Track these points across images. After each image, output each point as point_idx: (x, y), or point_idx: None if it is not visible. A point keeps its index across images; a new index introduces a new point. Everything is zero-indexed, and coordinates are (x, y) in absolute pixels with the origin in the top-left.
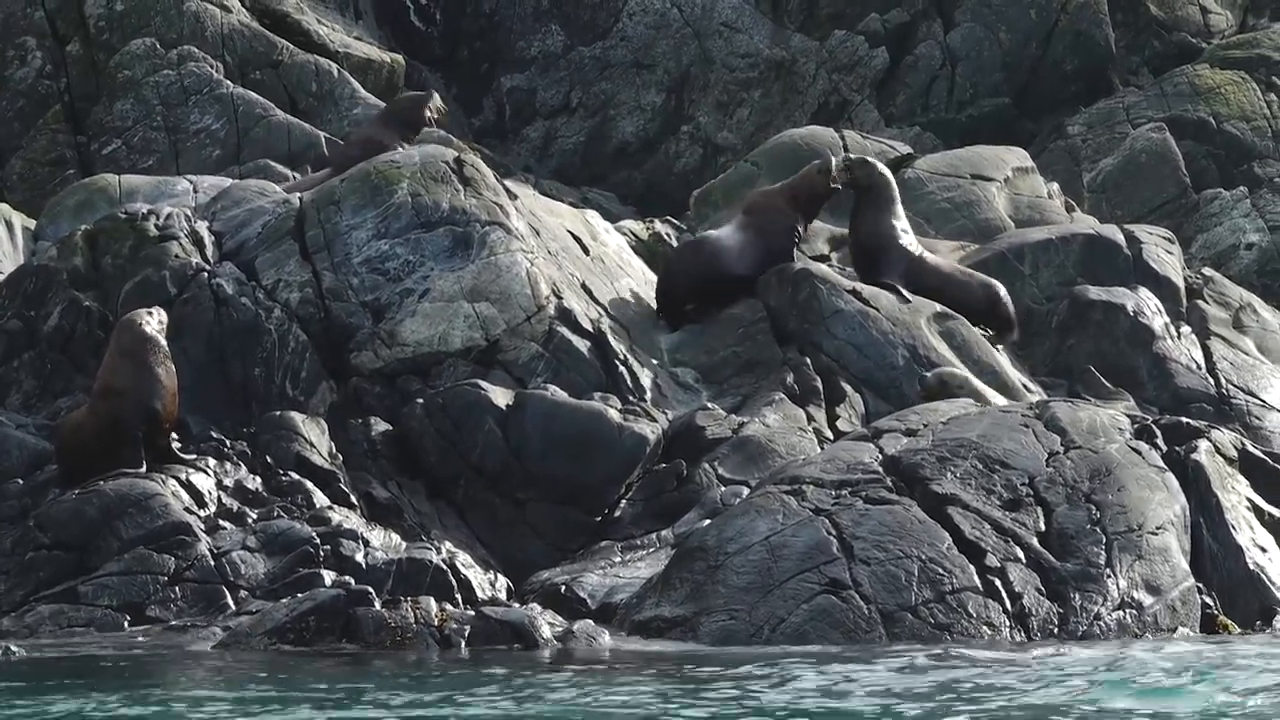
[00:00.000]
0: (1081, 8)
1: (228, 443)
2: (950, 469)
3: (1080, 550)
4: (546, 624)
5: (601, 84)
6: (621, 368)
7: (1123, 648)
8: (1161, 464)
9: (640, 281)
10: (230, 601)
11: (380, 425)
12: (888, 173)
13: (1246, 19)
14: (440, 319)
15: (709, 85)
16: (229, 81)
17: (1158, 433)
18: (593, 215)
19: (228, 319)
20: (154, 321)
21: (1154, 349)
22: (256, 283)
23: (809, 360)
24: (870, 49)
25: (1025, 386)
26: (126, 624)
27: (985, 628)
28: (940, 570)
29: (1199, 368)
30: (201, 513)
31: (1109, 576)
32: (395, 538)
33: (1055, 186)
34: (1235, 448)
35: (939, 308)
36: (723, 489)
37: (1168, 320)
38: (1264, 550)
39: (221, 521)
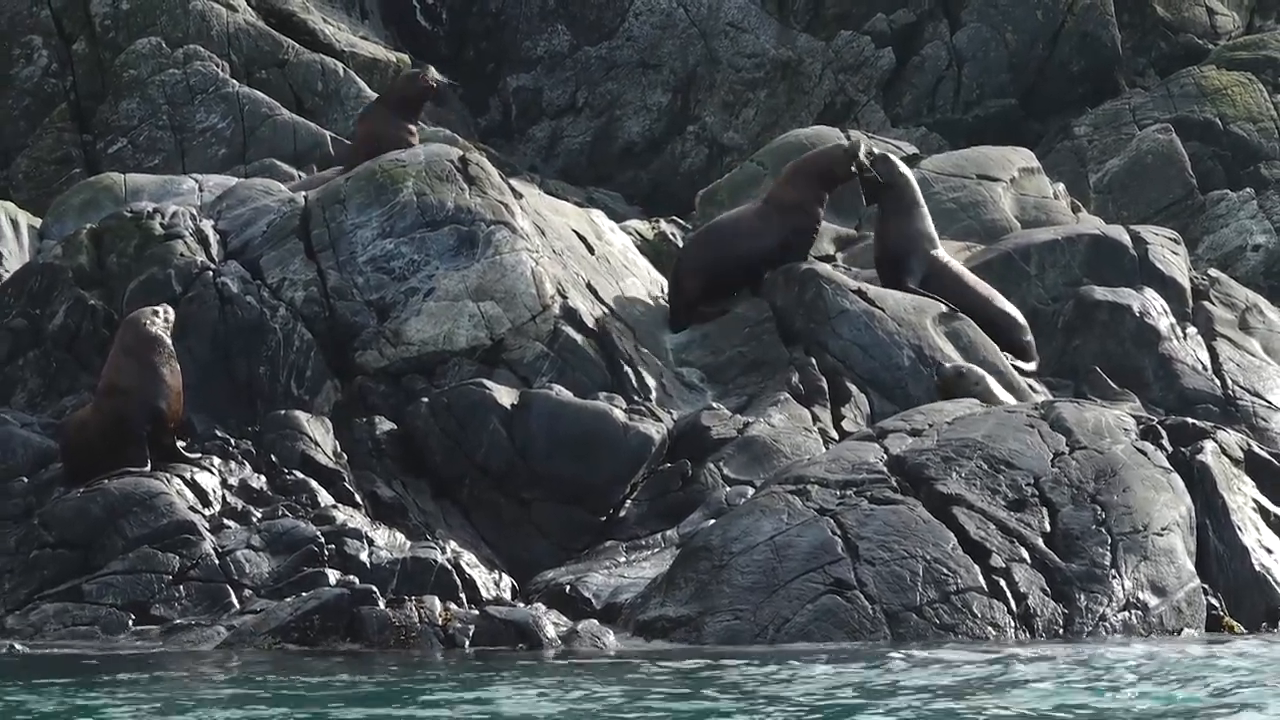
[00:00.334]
0: (1088, 9)
1: (232, 441)
2: (955, 469)
3: (1085, 551)
4: (551, 624)
5: (607, 84)
6: (627, 367)
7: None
8: (1167, 465)
9: (645, 281)
10: (235, 600)
11: (385, 424)
12: (909, 172)
13: (1253, 20)
14: (445, 318)
15: (715, 85)
16: (235, 80)
17: (1163, 433)
18: (598, 215)
19: (232, 318)
20: (160, 320)
21: (1160, 350)
22: (261, 281)
23: (814, 360)
24: (876, 49)
25: (1031, 387)
26: (131, 623)
27: (990, 628)
28: (945, 571)
29: (1205, 369)
30: (206, 511)
31: (1114, 577)
32: (400, 537)
33: (1061, 187)
34: (1241, 449)
35: (944, 308)
36: (728, 489)
37: (1173, 321)
38: (1270, 551)
39: (226, 520)
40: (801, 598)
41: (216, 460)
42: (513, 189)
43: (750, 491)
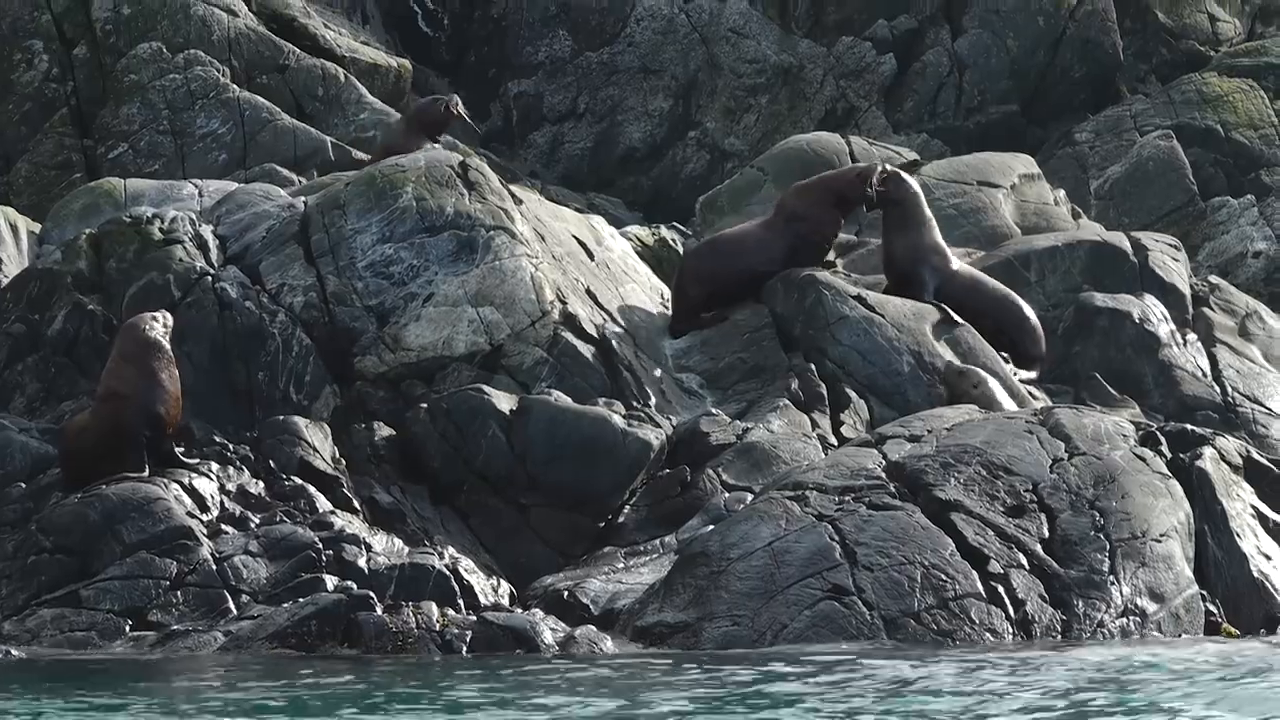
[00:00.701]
0: (1089, 15)
1: (231, 447)
2: (954, 475)
3: (1084, 557)
4: (548, 629)
5: (609, 90)
6: (626, 373)
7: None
8: (1166, 471)
9: (645, 287)
10: (232, 606)
11: (384, 430)
12: (917, 187)
13: (1255, 27)
14: (445, 323)
15: (716, 91)
16: (235, 86)
17: (1162, 440)
18: (598, 220)
19: (231, 323)
20: (159, 325)
21: (1160, 356)
22: (261, 287)
23: (814, 366)
24: (878, 55)
25: (1030, 393)
26: (128, 629)
27: (988, 634)
28: (943, 576)
29: (1205, 375)
30: (204, 517)
31: (1112, 583)
32: (398, 543)
33: (1062, 193)
34: (1240, 455)
35: (944, 314)
36: (727, 495)
37: (1174, 328)
38: (1268, 558)
39: (224, 526)
40: (799, 603)
41: (215, 466)
42: (512, 194)
43: (749, 497)
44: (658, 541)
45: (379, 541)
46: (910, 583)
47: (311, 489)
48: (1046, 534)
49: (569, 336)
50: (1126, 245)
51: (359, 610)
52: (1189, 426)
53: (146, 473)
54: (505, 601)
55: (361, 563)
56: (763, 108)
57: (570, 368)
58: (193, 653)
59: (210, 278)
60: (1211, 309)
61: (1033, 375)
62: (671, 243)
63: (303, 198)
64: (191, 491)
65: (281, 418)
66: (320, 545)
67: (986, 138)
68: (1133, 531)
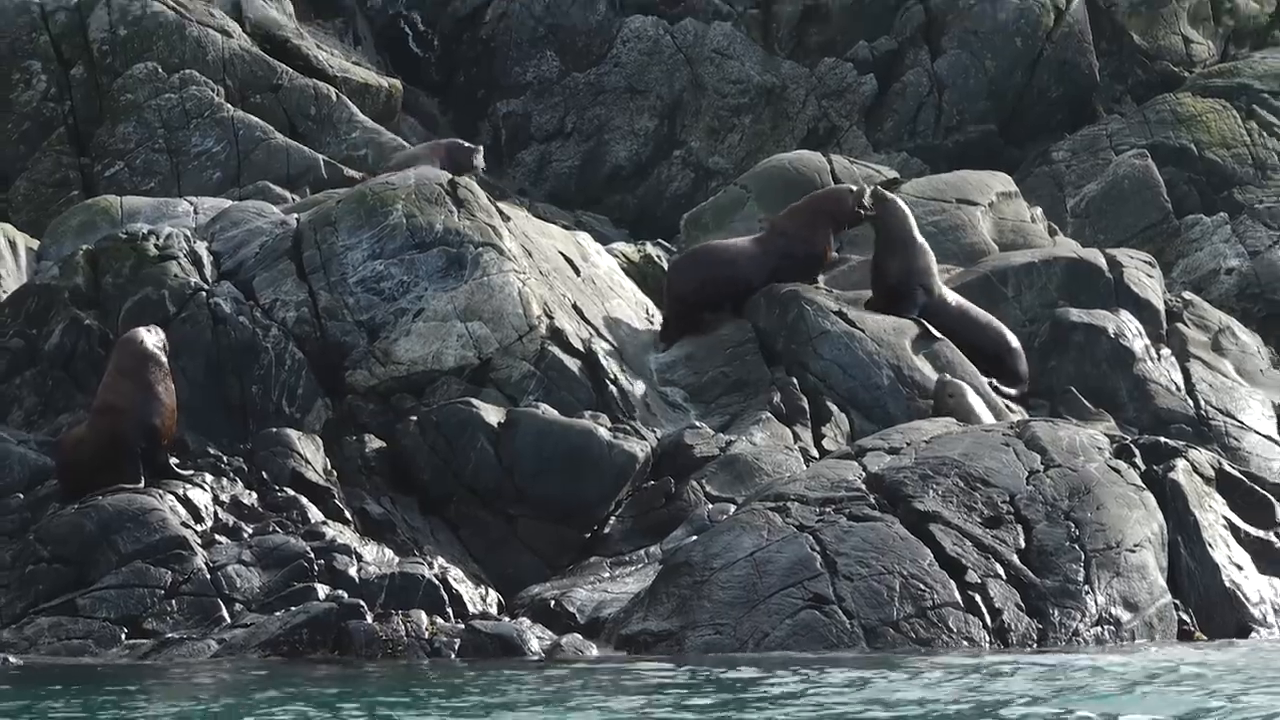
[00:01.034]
0: (1066, 36)
1: (225, 459)
2: (932, 487)
3: (1059, 567)
4: (535, 637)
5: (595, 109)
6: (612, 387)
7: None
8: (1140, 483)
9: (631, 303)
10: (226, 615)
11: (374, 442)
12: (907, 209)
13: (1228, 49)
14: (434, 338)
15: (701, 111)
16: (229, 105)
17: (1136, 452)
18: (584, 237)
19: (225, 337)
20: (153, 339)
21: (1134, 371)
22: (254, 302)
23: (796, 380)
24: (859, 76)
25: (1008, 406)
26: (124, 636)
27: (965, 642)
28: (922, 586)
29: (1178, 389)
30: (198, 527)
31: (1087, 593)
32: (388, 553)
33: (1038, 211)
34: (1213, 467)
35: (922, 329)
36: (710, 506)
37: (1148, 343)
38: (1240, 568)
39: (218, 536)
40: (781, 612)
41: (209, 477)
42: (500, 211)
43: (732, 509)
44: (643, 552)
45: (370, 551)
46: (889, 592)
47: (304, 500)
48: (1023, 544)
49: (556, 351)
50: (1102, 262)
51: (350, 618)
52: (1162, 439)
53: (142, 484)
54: (493, 610)
55: (352, 572)
56: (746, 127)
57: (557, 381)
58: (186, 660)
59: (204, 293)
60: (1185, 324)
61: (1013, 392)
62: (656, 259)
63: (295, 215)
64: (186, 502)
65: (274, 430)
66: (312, 555)
67: (965, 156)
68: (1107, 542)
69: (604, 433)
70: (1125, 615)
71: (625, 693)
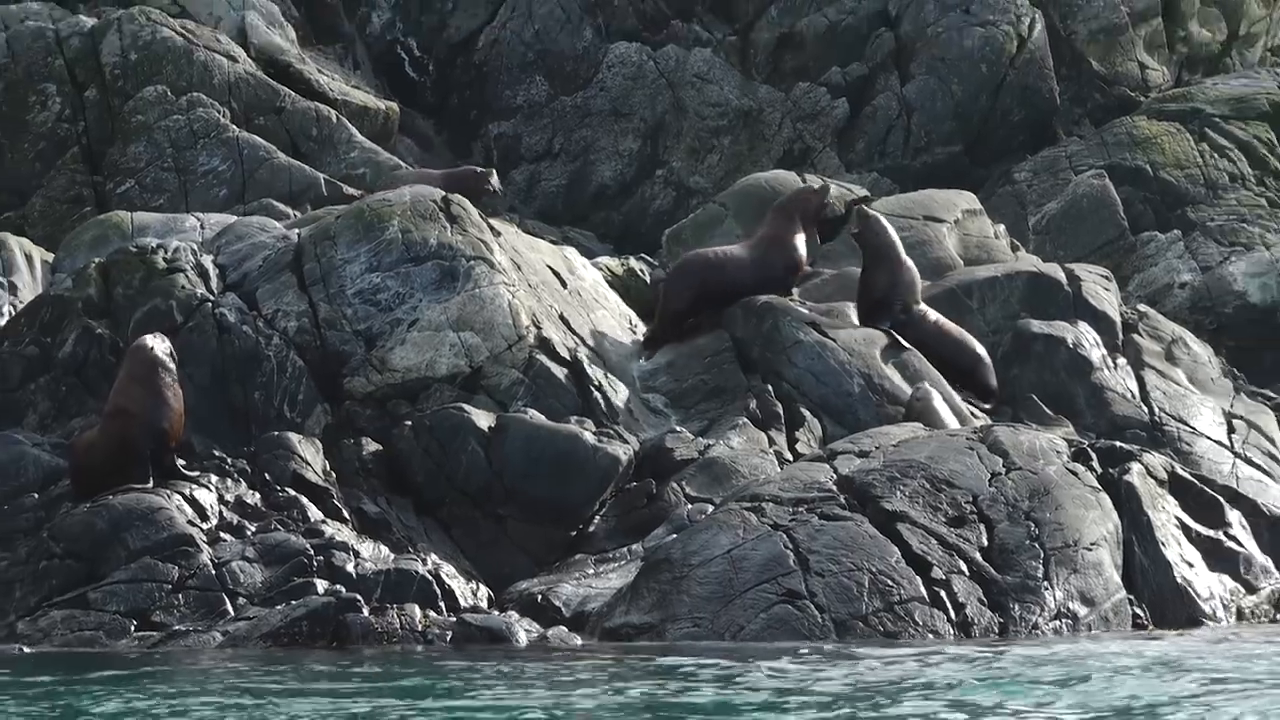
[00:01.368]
0: (1028, 63)
1: (229, 461)
2: (900, 488)
3: (1020, 564)
4: (523, 630)
5: (582, 131)
6: (596, 393)
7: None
8: (1096, 485)
9: (615, 314)
10: (230, 608)
11: (371, 445)
12: (889, 225)
13: (1181, 75)
14: (428, 347)
15: (682, 133)
16: (235, 126)
17: (1093, 456)
18: (571, 251)
19: (230, 346)
20: (162, 346)
21: (1092, 379)
22: (257, 312)
23: (771, 387)
24: (832, 99)
25: (972, 413)
26: (133, 629)
27: (931, 635)
28: (889, 582)
29: (1134, 397)
30: (204, 525)
31: (1046, 589)
32: (384, 550)
33: (1002, 228)
34: (1165, 470)
35: (891, 339)
36: (689, 506)
37: (1105, 353)
38: (1191, 565)
39: (222, 534)
40: (756, 607)
41: (214, 478)
42: (491, 227)
43: (710, 509)
44: (625, 549)
45: (366, 548)
46: (859, 588)
47: (304, 500)
48: (985, 543)
49: (543, 359)
50: (1061, 276)
51: (347, 612)
52: (1118, 444)
53: (151, 484)
54: (484, 604)
55: (350, 568)
56: (725, 148)
57: (544, 388)
58: (193, 650)
59: (210, 304)
60: (1140, 335)
61: (987, 406)
62: (640, 273)
63: (296, 230)
64: (192, 502)
65: (276, 434)
66: (312, 552)
67: (932, 176)
68: (1065, 540)
69: (589, 437)
70: (1082, 610)
71: (592, 672)
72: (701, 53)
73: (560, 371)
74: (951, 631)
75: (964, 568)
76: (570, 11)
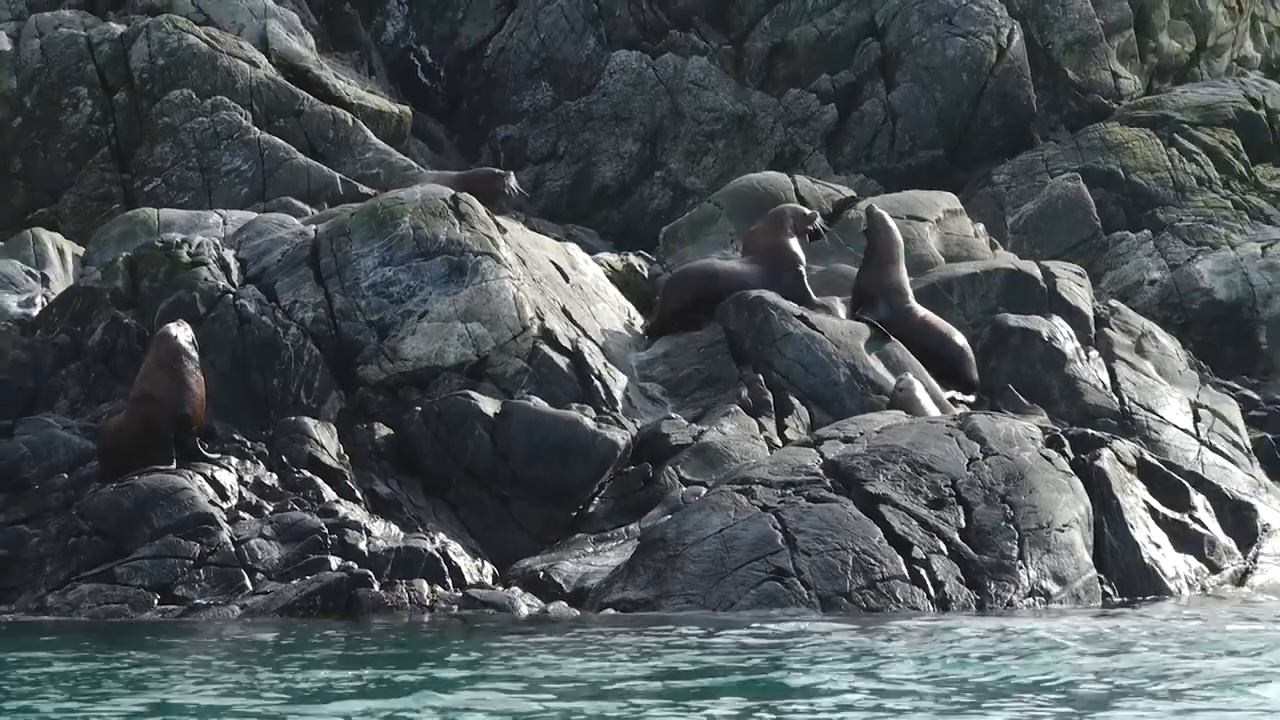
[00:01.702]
0: (1007, 72)
1: (248, 444)
2: (882, 472)
3: (996, 544)
4: (525, 605)
5: (585, 134)
6: (596, 382)
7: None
8: (1069, 470)
9: (614, 307)
10: (248, 583)
11: (383, 430)
12: (895, 229)
13: (1152, 83)
14: (437, 337)
15: (679, 136)
16: (256, 128)
17: (1066, 442)
18: (573, 248)
19: (250, 335)
20: (185, 334)
21: (1065, 370)
22: (276, 304)
23: (762, 377)
24: (821, 106)
25: (952, 401)
26: (156, 602)
27: (911, 611)
28: (872, 561)
29: (1105, 387)
30: (224, 505)
31: (1021, 568)
32: (395, 529)
33: (981, 227)
34: (1134, 456)
35: (876, 331)
36: (684, 489)
37: (1078, 345)
38: (1158, 546)
39: (241, 513)
40: (746, 584)
41: (234, 460)
42: (498, 224)
43: (703, 491)
44: (623, 529)
45: (378, 527)
46: (843, 566)
47: (319, 481)
48: (964, 524)
49: (546, 349)
50: (1037, 273)
51: (359, 587)
52: (1089, 431)
53: (174, 466)
54: (489, 581)
55: (362, 546)
56: (720, 151)
57: (547, 376)
58: (213, 621)
59: (231, 296)
60: (1111, 329)
61: (970, 398)
62: (638, 268)
63: (314, 226)
64: (213, 482)
65: (293, 419)
66: (326, 530)
67: (916, 178)
68: (1039, 522)
69: (589, 423)
70: (1054, 588)
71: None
72: (698, 61)
73: (562, 361)
74: (931, 608)
75: (943, 548)
76: (574, 21)
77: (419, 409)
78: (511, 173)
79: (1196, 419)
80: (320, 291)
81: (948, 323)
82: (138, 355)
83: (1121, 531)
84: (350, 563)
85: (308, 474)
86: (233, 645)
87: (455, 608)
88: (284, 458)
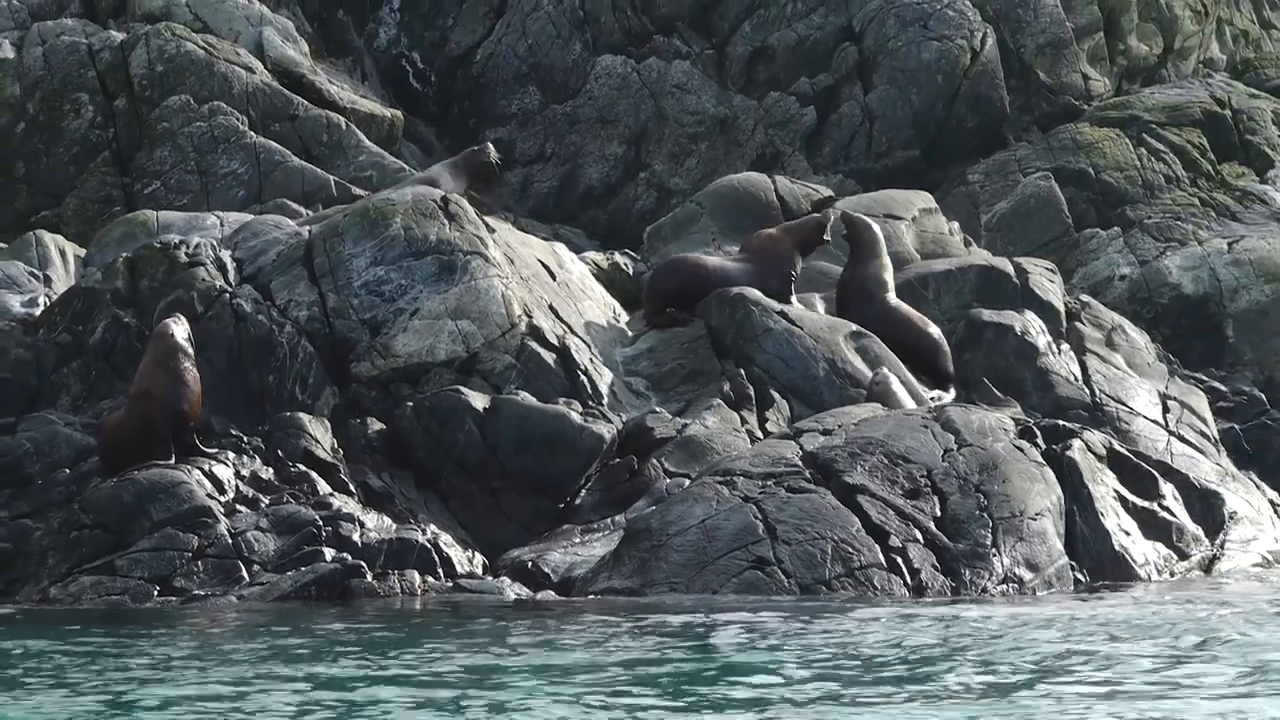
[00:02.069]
0: (981, 74)
1: (245, 439)
2: (860, 463)
3: (970, 533)
4: (514, 594)
5: (571, 137)
6: (583, 377)
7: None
8: (1041, 460)
9: (600, 304)
10: (245, 574)
11: (376, 425)
12: (877, 229)
13: (1121, 85)
14: (428, 334)
15: (663, 138)
16: (252, 132)
17: (1037, 433)
18: (560, 247)
19: (246, 333)
20: (182, 330)
21: (1038, 363)
22: (271, 302)
23: (743, 371)
24: (801, 108)
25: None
26: (156, 593)
27: (888, 599)
28: (850, 549)
29: (1076, 380)
30: (221, 498)
31: (995, 555)
32: (387, 520)
33: (955, 225)
34: (1105, 447)
35: (855, 327)
36: (668, 480)
37: (1050, 339)
38: (1128, 534)
39: (238, 506)
40: (728, 572)
41: (231, 455)
42: (487, 225)
43: (687, 482)
44: (609, 520)
45: (371, 519)
46: (822, 555)
47: (313, 475)
48: (939, 513)
49: (534, 345)
50: (1010, 269)
51: (352, 577)
52: (1060, 422)
53: (172, 460)
54: (479, 571)
55: (356, 537)
56: (702, 152)
57: (535, 372)
58: (210, 610)
59: (228, 295)
60: (1082, 323)
61: (950, 395)
62: (624, 267)
63: (308, 227)
64: (211, 476)
65: (288, 414)
66: (320, 522)
67: (892, 178)
68: (1012, 511)
69: (576, 417)
70: (1027, 574)
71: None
72: (681, 65)
73: (550, 357)
74: (907, 595)
75: (919, 536)
76: (561, 27)
77: (410, 404)
78: (489, 144)
79: (1165, 410)
80: (314, 290)
81: (925, 317)
82: (137, 353)
83: (1092, 519)
84: (344, 554)
85: (303, 468)
86: (233, 631)
87: (446, 597)
88: (279, 452)
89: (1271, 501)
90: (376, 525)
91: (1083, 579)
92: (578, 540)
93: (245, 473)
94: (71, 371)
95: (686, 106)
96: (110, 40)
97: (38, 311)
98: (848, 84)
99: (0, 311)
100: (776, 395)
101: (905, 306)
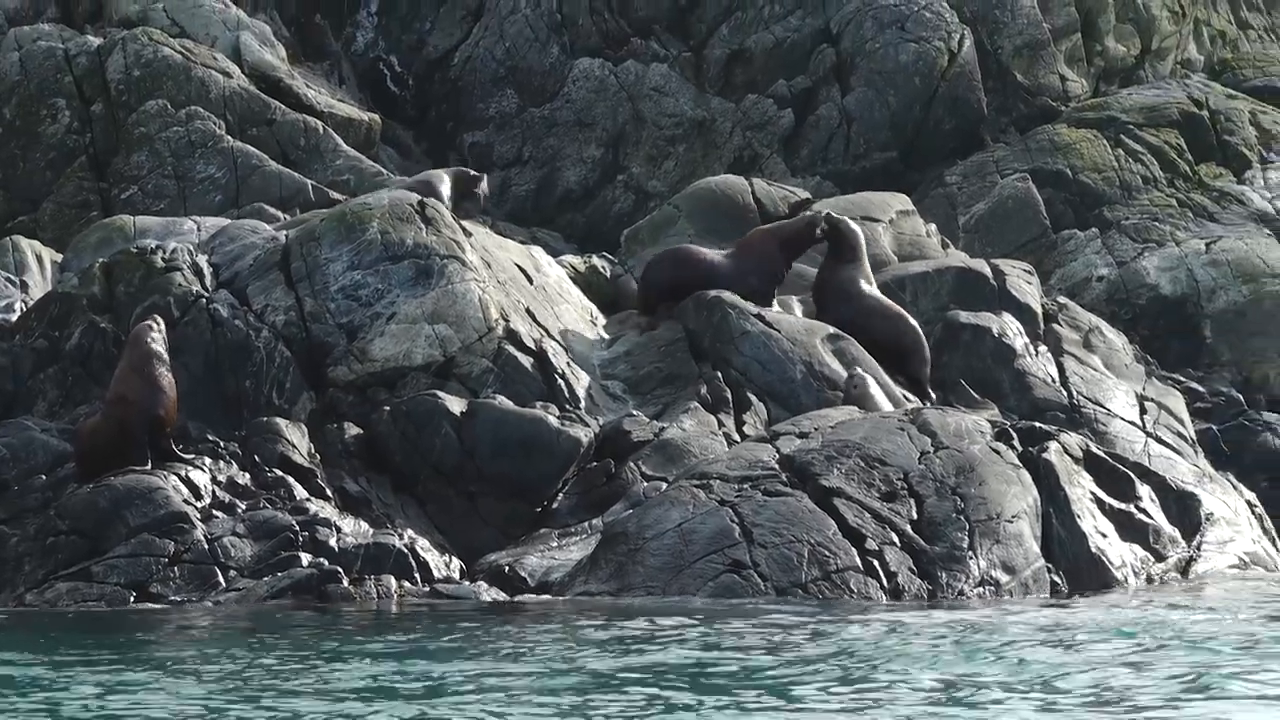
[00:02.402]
0: (958, 76)
1: (221, 444)
2: (837, 466)
3: (947, 536)
4: (491, 599)
5: (549, 140)
6: (560, 380)
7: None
8: (1017, 462)
9: (577, 307)
10: (221, 580)
11: (353, 429)
12: (857, 229)
13: (1099, 86)
14: (405, 338)
15: (641, 141)
16: (229, 137)
17: (1014, 435)
18: (537, 250)
19: (222, 338)
20: (158, 334)
21: (1015, 365)
22: (248, 307)
23: (720, 374)
24: (778, 110)
25: (905, 396)
26: (132, 599)
27: (865, 602)
28: (827, 553)
29: (1054, 381)
30: (198, 504)
31: (971, 558)
32: (364, 525)
33: (933, 227)
34: (1081, 449)
35: (832, 329)
36: (645, 484)
37: (1027, 341)
38: (1105, 536)
39: (215, 511)
40: (704, 576)
41: (207, 460)
42: (463, 228)
43: (663, 486)
44: (586, 524)
45: (348, 524)
46: (799, 558)
47: (290, 480)
48: (915, 516)
49: (511, 349)
50: (987, 271)
51: (329, 582)
52: (1036, 424)
53: (149, 466)
54: (456, 575)
55: (332, 543)
56: (680, 155)
57: (512, 376)
58: (188, 615)
59: (205, 300)
60: (1060, 325)
61: (933, 397)
62: (601, 270)
63: (285, 231)
64: (187, 482)
65: (265, 419)
66: (297, 527)
67: (870, 180)
68: (989, 514)
69: (553, 420)
70: (1004, 577)
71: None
72: (659, 68)
73: (527, 360)
74: (884, 598)
75: (895, 539)
76: (538, 30)
77: (387, 408)
78: (485, 177)
79: (1143, 411)
80: (291, 295)
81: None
82: (114, 359)
83: (1069, 522)
84: (321, 559)
85: (279, 473)
86: (210, 637)
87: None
88: (256, 457)
89: (1249, 503)
90: (353, 530)
91: (1059, 582)
92: (555, 544)
93: (222, 478)
94: (48, 377)
95: (664, 109)
96: (87, 45)
97: (14, 317)
98: (825, 86)
99: None
100: (754, 398)
101: (884, 298)
